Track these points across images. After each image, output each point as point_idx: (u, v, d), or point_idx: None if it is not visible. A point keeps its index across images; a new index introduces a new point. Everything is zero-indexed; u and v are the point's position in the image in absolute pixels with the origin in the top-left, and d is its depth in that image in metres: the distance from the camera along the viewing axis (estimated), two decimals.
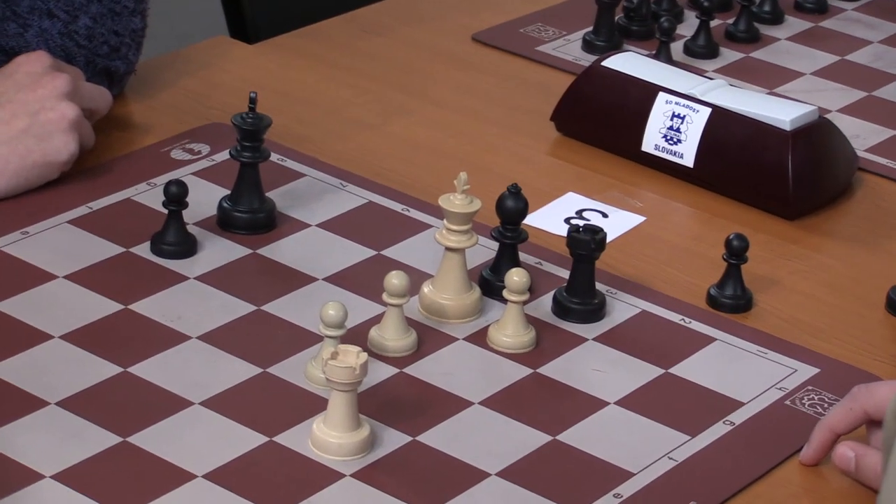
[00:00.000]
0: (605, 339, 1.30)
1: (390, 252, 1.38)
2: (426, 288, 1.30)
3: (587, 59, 1.66)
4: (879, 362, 1.28)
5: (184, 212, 1.34)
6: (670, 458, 1.16)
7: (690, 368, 1.27)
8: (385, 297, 1.22)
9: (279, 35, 1.79)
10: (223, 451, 1.12)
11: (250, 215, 1.38)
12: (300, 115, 1.48)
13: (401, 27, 1.79)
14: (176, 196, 1.32)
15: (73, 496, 1.07)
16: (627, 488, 1.13)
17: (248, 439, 1.14)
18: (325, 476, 1.11)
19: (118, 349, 1.22)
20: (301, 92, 1.56)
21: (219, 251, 1.36)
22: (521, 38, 1.75)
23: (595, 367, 1.26)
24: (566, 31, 1.76)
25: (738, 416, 1.21)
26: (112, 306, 1.27)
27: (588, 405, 1.21)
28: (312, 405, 1.16)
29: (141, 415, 1.15)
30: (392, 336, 1.24)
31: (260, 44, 1.78)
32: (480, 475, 1.13)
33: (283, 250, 1.37)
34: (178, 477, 1.10)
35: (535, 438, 1.17)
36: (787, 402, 1.24)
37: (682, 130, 1.50)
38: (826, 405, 1.22)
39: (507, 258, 1.32)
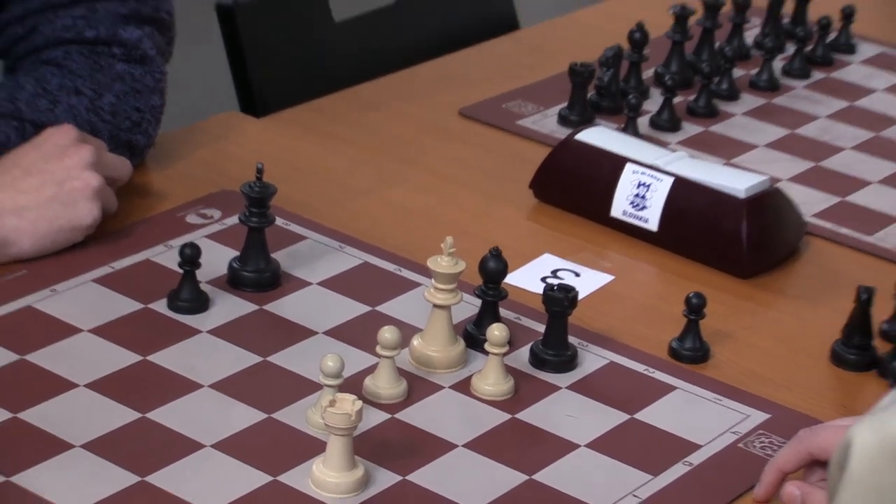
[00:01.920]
0: (577, 387, 1.30)
1: (383, 308, 1.38)
2: (416, 341, 1.30)
3: (562, 133, 1.67)
4: (823, 408, 1.29)
5: (197, 271, 1.34)
6: (634, 496, 1.16)
7: (653, 414, 1.27)
8: (378, 349, 1.22)
9: (285, 109, 1.79)
10: (231, 490, 1.12)
11: (257, 275, 1.39)
12: (303, 183, 1.50)
13: (396, 102, 1.80)
14: (190, 257, 1.33)
15: None
16: None
17: (253, 479, 1.14)
18: None
19: (137, 396, 1.22)
20: (304, 162, 1.57)
21: (228, 307, 1.36)
22: (504, 113, 1.76)
23: (568, 412, 1.26)
24: (544, 107, 1.76)
25: (696, 458, 1.22)
26: (131, 357, 1.27)
27: (561, 448, 1.22)
28: (312, 448, 1.16)
29: (157, 456, 1.15)
30: (385, 385, 1.25)
31: (267, 118, 1.78)
32: None
33: (286, 306, 1.37)
34: None
35: (512, 478, 1.17)
36: (741, 445, 1.24)
37: (647, 198, 1.51)
38: (775, 447, 1.22)
39: (488, 314, 1.32)
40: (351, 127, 1.72)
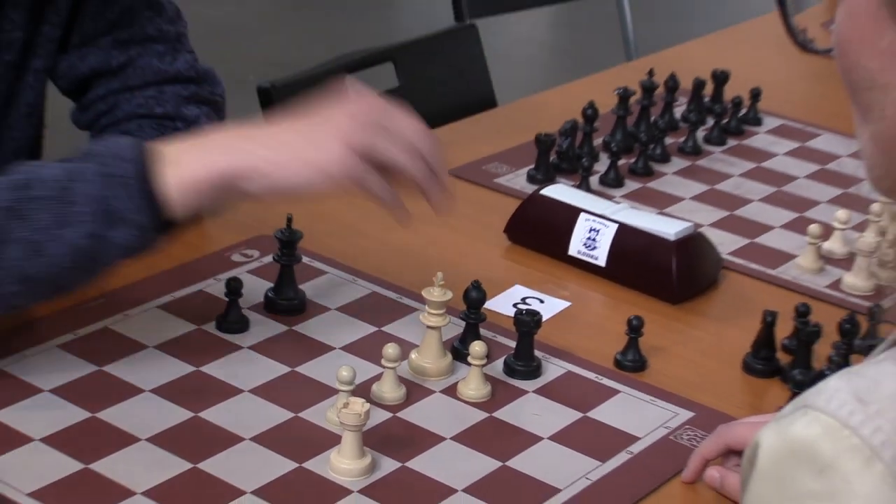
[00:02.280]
0: (541, 391, 1.31)
1: (387, 328, 1.38)
2: (413, 354, 1.31)
3: (530, 189, 1.67)
4: (737, 408, 1.30)
5: (240, 300, 1.35)
6: (587, 479, 1.18)
7: (602, 413, 1.28)
8: (383, 361, 1.23)
9: None
10: (266, 474, 1.14)
11: (287, 302, 1.39)
12: (323, 229, 1.50)
13: None
14: (234, 288, 1.34)
15: None
16: (555, 501, 1.14)
17: (284, 465, 1.15)
18: (338, 492, 1.13)
19: (191, 400, 1.23)
20: (324, 212, 1.56)
21: (264, 328, 1.36)
22: (483, 173, 1.77)
23: (534, 412, 1.28)
24: (515, 168, 1.77)
25: (636, 447, 1.23)
26: (187, 368, 1.28)
27: (528, 440, 1.23)
28: (330, 440, 1.17)
29: (207, 447, 1.17)
30: (388, 390, 1.25)
31: None
32: (451, 491, 1.15)
33: (310, 327, 1.37)
34: (233, 492, 1.12)
35: (490, 464, 1.19)
36: (671, 437, 1.25)
37: (597, 240, 1.51)
38: (699, 439, 1.23)
39: (471, 333, 1.33)
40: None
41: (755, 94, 1.97)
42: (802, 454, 0.68)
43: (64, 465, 1.12)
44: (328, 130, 1.21)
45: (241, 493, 1.11)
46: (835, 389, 0.69)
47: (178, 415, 1.20)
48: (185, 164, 1.18)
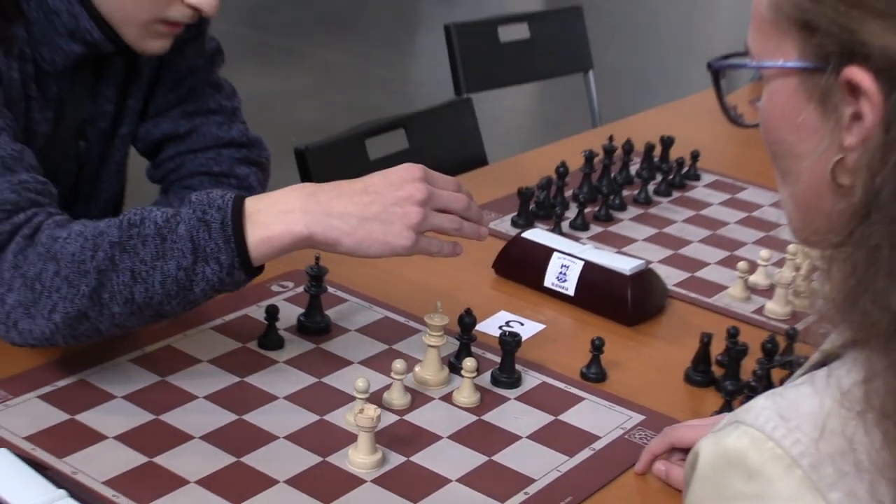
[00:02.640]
0: (521, 398, 1.29)
1: (396, 346, 1.37)
2: (417, 368, 1.30)
3: (513, 232, 1.66)
4: (680, 413, 1.28)
5: (277, 323, 1.34)
6: (557, 470, 1.17)
7: (570, 416, 1.26)
8: (392, 374, 1.22)
9: None
10: (296, 466, 1.13)
11: (315, 325, 1.38)
12: (345, 264, 1.48)
13: None
14: (272, 313, 1.33)
15: (206, 494, 1.08)
16: (532, 489, 1.14)
17: (310, 459, 1.14)
18: (355, 482, 1.12)
19: (236, 404, 1.22)
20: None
21: (297, 346, 1.35)
22: None
23: (514, 415, 1.26)
24: (502, 215, 1.75)
25: (598, 445, 1.22)
26: (233, 378, 1.27)
27: (510, 438, 1.22)
28: (348, 439, 1.16)
29: (248, 444, 1.16)
30: (396, 397, 1.24)
31: None
32: (446, 480, 1.14)
33: (334, 345, 1.36)
34: (269, 481, 1.11)
35: (479, 458, 1.18)
36: (626, 437, 1.23)
37: (567, 274, 1.50)
38: (649, 438, 1.22)
39: (464, 351, 1.32)
40: None
41: (695, 156, 1.97)
42: (735, 461, 0.68)
43: (132, 459, 1.12)
44: (398, 210, 1.17)
45: (275, 482, 1.10)
46: (761, 408, 0.69)
47: (225, 417, 1.20)
48: (268, 223, 1.15)
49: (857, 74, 0.66)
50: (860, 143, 0.68)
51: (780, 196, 0.79)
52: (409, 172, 1.21)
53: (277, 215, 1.15)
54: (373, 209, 1.17)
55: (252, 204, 1.16)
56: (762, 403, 0.69)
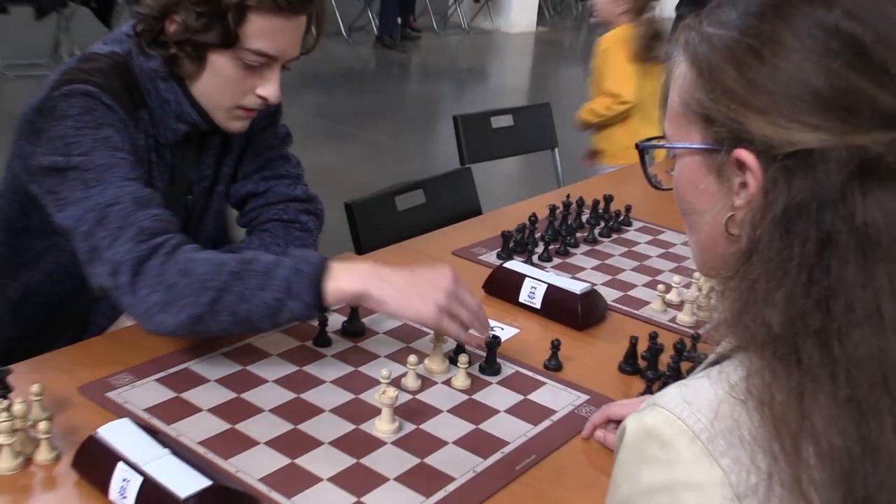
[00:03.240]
0: (500, 383, 1.25)
1: (412, 345, 1.33)
2: (426, 361, 1.26)
3: (497, 262, 1.62)
4: (614, 394, 1.24)
5: (326, 327, 1.30)
6: (525, 436, 1.14)
7: (535, 396, 1.23)
8: (408, 365, 1.19)
9: (377, 249, 1.73)
10: (338, 430, 1.10)
11: (354, 328, 1.34)
12: None
13: (425, 247, 1.73)
14: (323, 320, 1.30)
15: (272, 452, 1.04)
16: (507, 448, 1.11)
17: (348, 426, 1.11)
18: (379, 443, 1.09)
19: (295, 386, 1.19)
20: None
21: (341, 344, 1.31)
22: (472, 253, 1.72)
23: (495, 396, 1.22)
24: (490, 250, 1.72)
25: (555, 417, 1.18)
26: (293, 367, 1.24)
27: (492, 412, 1.18)
28: (375, 412, 1.12)
29: (304, 415, 1.13)
30: (410, 382, 1.21)
31: (366, 255, 1.73)
32: (445, 442, 1.11)
33: (368, 344, 1.32)
34: (317, 442, 1.08)
35: (468, 426, 1.14)
36: (575, 411, 1.20)
37: (536, 293, 1.46)
38: (592, 412, 1.17)
39: (460, 349, 1.28)
40: (402, 256, 1.67)
41: (628, 209, 1.94)
42: (652, 434, 0.66)
43: (219, 426, 1.09)
44: (431, 293, 1.14)
45: (321, 443, 1.07)
46: (672, 395, 0.67)
47: (287, 395, 1.16)
48: (342, 279, 1.13)
49: (744, 154, 0.65)
50: (746, 205, 0.66)
51: (688, 240, 0.77)
52: (444, 271, 1.18)
53: (348, 275, 1.14)
54: (408, 281, 1.15)
55: (334, 265, 1.15)
56: (672, 391, 0.67)
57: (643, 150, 0.83)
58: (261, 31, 1.18)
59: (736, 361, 0.66)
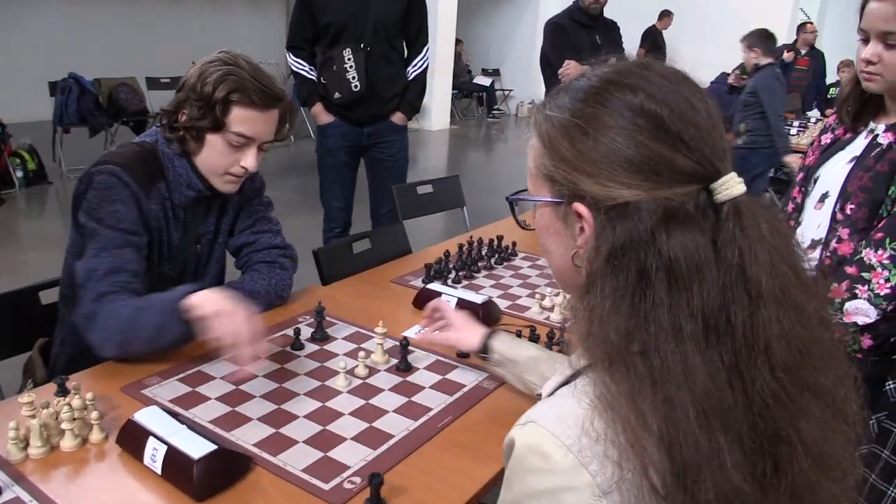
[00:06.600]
0: (427, 368, 1.26)
1: (363, 345, 1.33)
2: (372, 355, 1.26)
3: (422, 285, 1.63)
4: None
5: (300, 336, 1.30)
6: (443, 403, 1.16)
7: (452, 375, 1.24)
8: (359, 359, 1.19)
9: (337, 281, 1.71)
10: (309, 407, 1.10)
11: (321, 337, 1.34)
12: (335, 305, 1.48)
13: (368, 277, 1.72)
14: (297, 331, 1.31)
15: (263, 426, 1.05)
16: (431, 413, 1.14)
17: (316, 403, 1.10)
18: (338, 414, 1.11)
19: (279, 378, 1.20)
20: (343, 300, 1.54)
21: (311, 348, 1.31)
22: (405, 280, 1.72)
23: (422, 377, 1.23)
24: (416, 277, 1.73)
25: (465, 389, 1.21)
26: (276, 365, 1.24)
27: (419, 388, 1.20)
28: (337, 393, 1.13)
29: (285, 398, 1.14)
30: (361, 371, 1.22)
31: (329, 286, 1.69)
32: (386, 411, 1.13)
33: (330, 347, 1.31)
34: (294, 416, 1.09)
35: (403, 399, 1.16)
36: (479, 384, 1.22)
37: (451, 304, 1.44)
38: (492, 385, 1.20)
39: (403, 347, 1.29)
40: (356, 286, 1.66)
41: (514, 244, 1.98)
42: (534, 448, 0.61)
43: (224, 409, 1.10)
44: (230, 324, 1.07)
45: (297, 416, 1.08)
46: (546, 413, 0.62)
47: (272, 385, 1.17)
48: (201, 304, 1.12)
49: (580, 207, 0.64)
50: (584, 244, 0.64)
51: (550, 268, 0.75)
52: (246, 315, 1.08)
53: (205, 300, 1.12)
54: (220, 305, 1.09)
55: (195, 294, 1.14)
56: (545, 410, 0.62)
57: (512, 202, 0.84)
58: (241, 120, 1.25)
59: (588, 379, 0.62)
